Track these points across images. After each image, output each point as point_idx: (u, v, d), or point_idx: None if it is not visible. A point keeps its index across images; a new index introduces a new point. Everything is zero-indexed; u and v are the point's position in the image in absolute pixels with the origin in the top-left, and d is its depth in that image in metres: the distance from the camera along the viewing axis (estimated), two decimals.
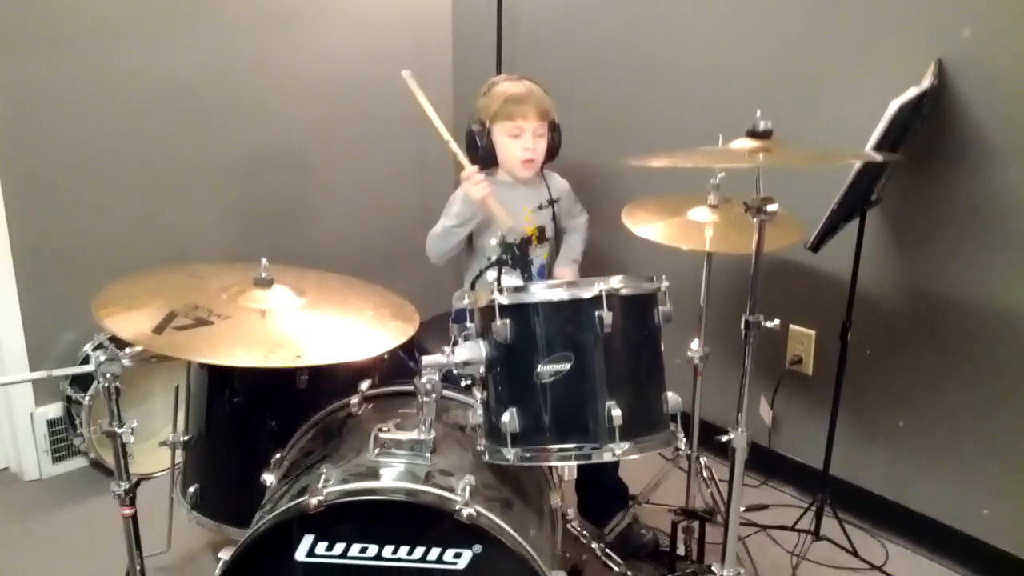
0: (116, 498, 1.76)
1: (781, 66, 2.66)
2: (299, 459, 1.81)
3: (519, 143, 2.37)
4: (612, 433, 1.60)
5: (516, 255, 2.42)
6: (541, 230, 2.47)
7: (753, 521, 2.61)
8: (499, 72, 3.34)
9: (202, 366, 2.12)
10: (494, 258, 2.42)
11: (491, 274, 2.42)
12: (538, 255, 2.47)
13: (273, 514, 1.56)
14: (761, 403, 2.87)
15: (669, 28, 2.93)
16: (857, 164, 2.12)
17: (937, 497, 2.55)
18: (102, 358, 1.67)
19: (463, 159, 2.35)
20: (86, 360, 2.73)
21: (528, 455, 1.62)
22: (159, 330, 1.68)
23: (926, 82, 2.23)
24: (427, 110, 2.31)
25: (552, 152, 2.43)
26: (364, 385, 1.93)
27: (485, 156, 2.40)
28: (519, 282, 2.43)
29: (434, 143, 3.65)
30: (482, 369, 1.67)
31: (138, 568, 1.84)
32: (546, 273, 2.50)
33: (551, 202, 2.49)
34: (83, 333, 2.83)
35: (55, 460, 2.88)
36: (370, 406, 1.90)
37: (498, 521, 1.54)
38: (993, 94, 2.25)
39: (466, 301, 1.74)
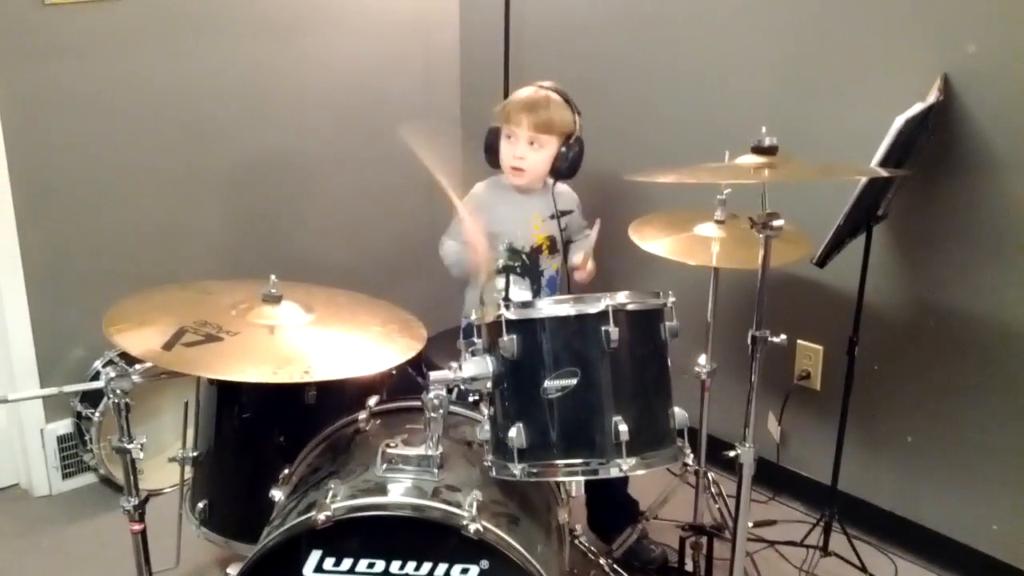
0: (125, 514, 1.77)
1: (787, 82, 2.67)
2: (307, 475, 1.82)
3: (510, 148, 2.38)
4: (619, 448, 1.59)
5: (526, 264, 2.42)
6: (552, 240, 2.46)
7: (761, 537, 2.60)
8: (506, 82, 3.35)
9: (211, 382, 2.12)
10: (501, 264, 2.42)
11: (499, 281, 2.42)
12: (548, 266, 2.47)
13: (281, 530, 1.57)
14: (769, 418, 2.87)
15: (675, 43, 2.95)
16: (863, 180, 2.12)
17: (946, 512, 2.54)
18: (112, 374, 1.68)
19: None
20: (96, 376, 2.74)
21: (535, 470, 1.62)
22: (168, 346, 1.69)
23: (932, 97, 2.24)
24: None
25: (570, 168, 2.39)
26: (372, 401, 1.93)
27: (492, 156, 2.43)
28: (527, 293, 2.43)
29: (443, 153, 3.67)
30: (489, 385, 1.67)
31: None
32: (557, 284, 2.49)
33: (561, 214, 2.47)
34: (93, 349, 2.84)
35: (65, 476, 2.89)
36: (378, 422, 1.90)
37: (505, 537, 1.54)
38: (999, 109, 2.26)
39: (473, 317, 1.74)
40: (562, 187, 2.48)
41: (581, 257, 2.41)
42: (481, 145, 2.47)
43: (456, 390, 1.80)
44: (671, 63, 2.97)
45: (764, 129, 1.86)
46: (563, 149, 2.37)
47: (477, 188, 2.49)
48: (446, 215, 2.49)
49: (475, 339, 1.74)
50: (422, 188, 3.65)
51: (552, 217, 2.45)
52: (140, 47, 2.83)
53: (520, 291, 2.43)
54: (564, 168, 2.39)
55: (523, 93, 2.42)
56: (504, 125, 2.38)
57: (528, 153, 2.36)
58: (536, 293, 2.44)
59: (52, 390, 1.75)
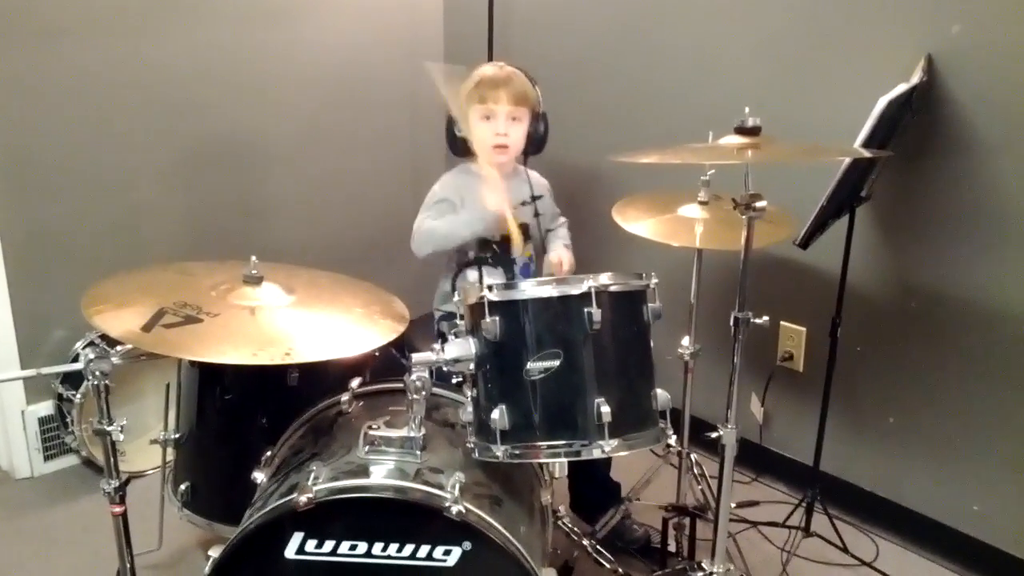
0: (106, 496, 1.76)
1: (771, 62, 2.66)
2: (289, 457, 1.81)
3: (490, 126, 2.31)
4: (601, 430, 1.59)
5: (497, 253, 2.39)
6: (524, 228, 2.42)
7: (744, 517, 2.62)
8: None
9: (193, 364, 2.12)
10: (473, 256, 2.39)
11: (472, 273, 2.39)
12: (522, 253, 2.43)
13: (263, 512, 1.56)
14: (752, 399, 2.88)
15: (659, 24, 2.94)
16: (846, 161, 2.12)
17: (927, 493, 2.56)
18: (91, 356, 1.67)
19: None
20: (77, 358, 2.72)
21: (517, 452, 1.62)
22: (148, 328, 1.67)
23: (915, 78, 2.24)
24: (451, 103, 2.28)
25: (537, 145, 2.37)
26: (354, 383, 1.93)
27: (462, 145, 2.35)
28: (501, 281, 2.40)
29: (427, 135, 3.68)
30: (472, 366, 1.66)
31: (128, 566, 1.84)
32: (533, 270, 2.46)
33: (533, 199, 2.44)
34: (74, 331, 2.83)
35: (47, 458, 2.88)
36: (360, 404, 1.90)
37: (487, 518, 1.54)
38: (982, 90, 2.26)
39: (456, 298, 1.74)
40: (533, 172, 2.46)
41: (555, 265, 2.41)
42: None
43: (439, 372, 1.79)
44: (656, 44, 2.96)
45: (747, 110, 1.86)
46: (530, 129, 2.35)
47: (447, 177, 2.43)
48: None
49: (457, 321, 1.73)
50: (406, 167, 3.66)
51: (523, 204, 2.42)
52: (122, 30, 2.81)
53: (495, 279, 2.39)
54: (534, 146, 2.37)
55: (488, 71, 2.36)
56: (477, 105, 2.31)
57: (510, 128, 2.32)
58: None
59: (31, 371, 1.73)
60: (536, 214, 2.43)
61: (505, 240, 2.38)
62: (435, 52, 3.68)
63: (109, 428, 1.70)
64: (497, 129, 2.32)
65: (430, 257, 2.36)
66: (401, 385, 1.68)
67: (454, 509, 1.48)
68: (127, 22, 2.81)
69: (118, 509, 1.78)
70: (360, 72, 3.44)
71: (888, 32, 2.41)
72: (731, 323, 1.87)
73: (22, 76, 2.64)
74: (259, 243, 1.99)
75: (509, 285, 1.66)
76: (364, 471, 1.60)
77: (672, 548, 2.39)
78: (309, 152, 3.36)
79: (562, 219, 2.58)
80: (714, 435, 1.92)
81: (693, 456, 2.48)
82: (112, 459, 1.74)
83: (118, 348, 1.71)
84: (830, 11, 2.51)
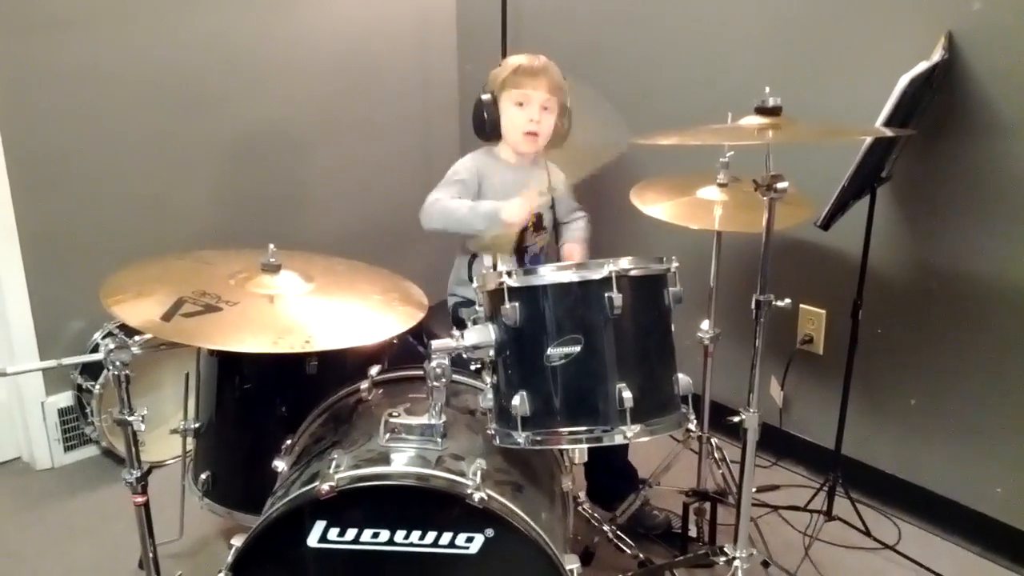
0: (128, 486, 1.76)
1: (790, 42, 2.63)
2: (310, 445, 1.81)
3: (524, 113, 2.35)
4: (623, 415, 1.58)
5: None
6: (539, 218, 2.44)
7: (765, 502, 2.61)
8: (504, 49, 3.31)
9: (212, 353, 2.12)
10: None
11: (487, 258, 2.39)
12: (533, 243, 2.45)
13: (284, 500, 1.56)
14: (772, 383, 2.86)
15: (676, 5, 2.91)
16: (867, 140, 2.10)
17: (950, 476, 2.54)
18: (111, 346, 1.67)
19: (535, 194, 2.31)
20: (96, 348, 2.73)
21: (539, 438, 1.61)
22: (167, 317, 1.67)
23: (936, 56, 2.21)
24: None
25: (560, 138, 2.40)
26: (374, 370, 1.92)
27: (490, 128, 2.39)
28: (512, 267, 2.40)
29: (439, 122, 3.67)
30: (492, 353, 1.65)
31: (151, 555, 1.84)
32: (543, 260, 2.46)
33: (551, 190, 2.46)
34: (93, 322, 2.84)
35: (67, 449, 2.89)
36: (380, 391, 1.90)
37: (509, 505, 1.53)
38: (1004, 67, 2.23)
39: (475, 284, 1.73)
40: (552, 165, 2.46)
41: (566, 256, 2.41)
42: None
43: (459, 358, 1.78)
44: (673, 25, 2.93)
45: (768, 89, 1.84)
46: (557, 123, 2.39)
47: (468, 159, 2.46)
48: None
49: (476, 307, 1.72)
50: (418, 156, 3.65)
51: (540, 195, 2.43)
52: (135, 18, 2.81)
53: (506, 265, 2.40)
54: (558, 140, 2.39)
55: (524, 60, 2.38)
56: (512, 91, 2.35)
57: (543, 117, 2.35)
58: None
59: (51, 362, 1.74)
60: (552, 205, 2.44)
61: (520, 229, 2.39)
62: (448, 39, 3.66)
63: (131, 418, 1.70)
64: (531, 116, 2.34)
65: (434, 233, 2.36)
66: (420, 372, 1.68)
67: (476, 496, 1.48)
68: (140, 13, 2.81)
69: (140, 499, 1.78)
70: (373, 61, 3.42)
71: (908, 9, 2.37)
72: (752, 306, 1.85)
73: (37, 68, 2.64)
74: (274, 232, 1.98)
75: (529, 271, 1.64)
76: (385, 459, 1.59)
77: (693, 533, 2.39)
78: (322, 141, 3.36)
79: (580, 212, 2.58)
80: (735, 419, 1.91)
81: (713, 440, 2.47)
82: (134, 449, 1.74)
83: (137, 338, 1.71)
84: None
